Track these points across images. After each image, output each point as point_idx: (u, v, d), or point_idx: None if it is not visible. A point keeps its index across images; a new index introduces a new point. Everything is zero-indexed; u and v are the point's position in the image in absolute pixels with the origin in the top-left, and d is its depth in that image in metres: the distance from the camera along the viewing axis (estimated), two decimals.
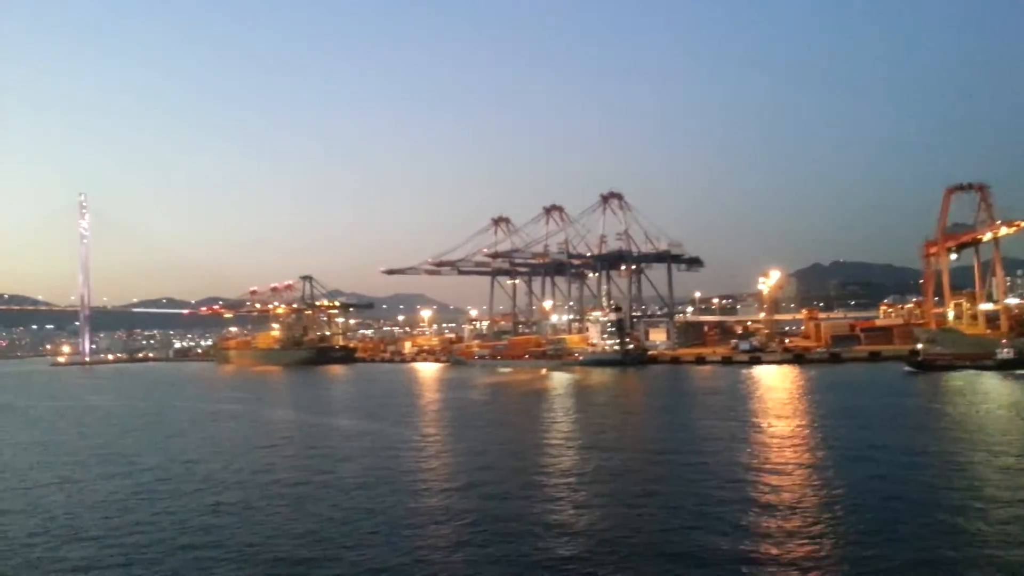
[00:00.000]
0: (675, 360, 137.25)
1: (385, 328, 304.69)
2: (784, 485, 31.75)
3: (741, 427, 49.68)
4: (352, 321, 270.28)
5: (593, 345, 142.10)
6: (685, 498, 29.95)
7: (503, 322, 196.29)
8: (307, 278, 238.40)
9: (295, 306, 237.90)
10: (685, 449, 41.87)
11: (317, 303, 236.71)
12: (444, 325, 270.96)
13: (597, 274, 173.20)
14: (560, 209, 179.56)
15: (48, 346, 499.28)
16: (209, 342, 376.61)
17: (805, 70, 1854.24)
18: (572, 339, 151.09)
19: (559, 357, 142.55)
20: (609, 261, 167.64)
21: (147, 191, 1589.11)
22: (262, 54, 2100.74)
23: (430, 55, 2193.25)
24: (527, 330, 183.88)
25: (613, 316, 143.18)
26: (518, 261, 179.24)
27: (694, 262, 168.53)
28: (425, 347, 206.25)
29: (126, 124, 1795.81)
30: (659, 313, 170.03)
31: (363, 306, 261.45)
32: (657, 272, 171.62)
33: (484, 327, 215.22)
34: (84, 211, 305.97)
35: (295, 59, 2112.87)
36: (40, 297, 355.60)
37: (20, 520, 30.61)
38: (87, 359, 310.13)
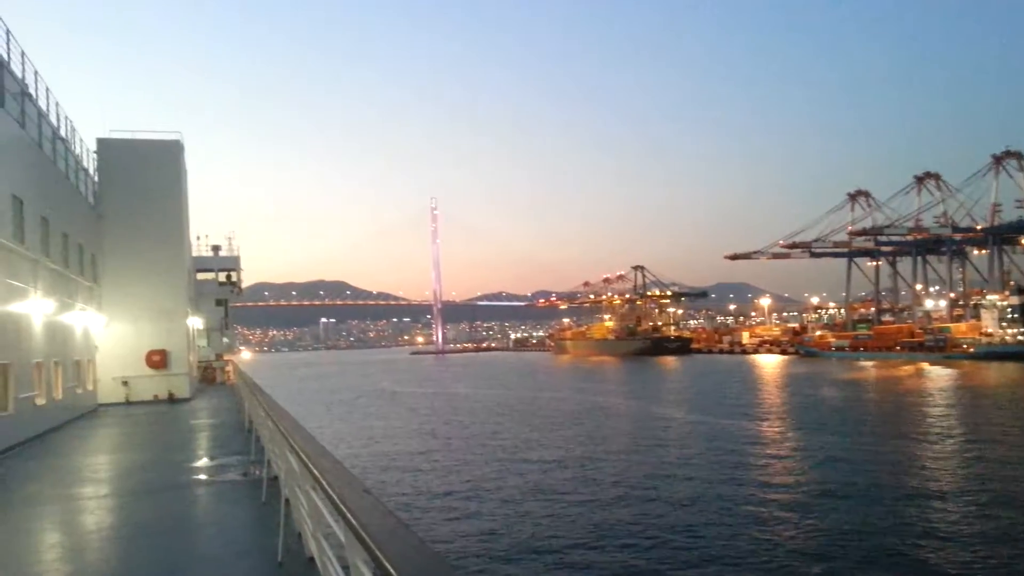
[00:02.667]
0: None
1: (717, 319, 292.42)
2: None
3: None
4: (680, 311, 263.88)
5: (988, 335, 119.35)
6: None
7: (863, 309, 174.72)
8: (639, 268, 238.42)
9: (627, 296, 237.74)
10: None
11: (649, 292, 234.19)
12: (782, 314, 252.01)
13: (985, 251, 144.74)
14: (936, 176, 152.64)
15: (405, 336, 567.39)
16: (541, 332, 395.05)
17: None
18: (959, 327, 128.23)
19: (941, 349, 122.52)
20: (1006, 234, 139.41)
21: (487, 191, 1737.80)
22: (576, 50, 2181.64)
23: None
24: (891, 318, 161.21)
25: (1015, 300, 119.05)
26: (884, 239, 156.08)
27: None
28: (766, 337, 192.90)
29: (466, 130, 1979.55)
30: None
31: (696, 295, 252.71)
32: None
33: (829, 315, 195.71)
34: (435, 214, 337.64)
35: (613, 47, 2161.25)
36: (400, 293, 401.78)
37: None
38: (441, 348, 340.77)
